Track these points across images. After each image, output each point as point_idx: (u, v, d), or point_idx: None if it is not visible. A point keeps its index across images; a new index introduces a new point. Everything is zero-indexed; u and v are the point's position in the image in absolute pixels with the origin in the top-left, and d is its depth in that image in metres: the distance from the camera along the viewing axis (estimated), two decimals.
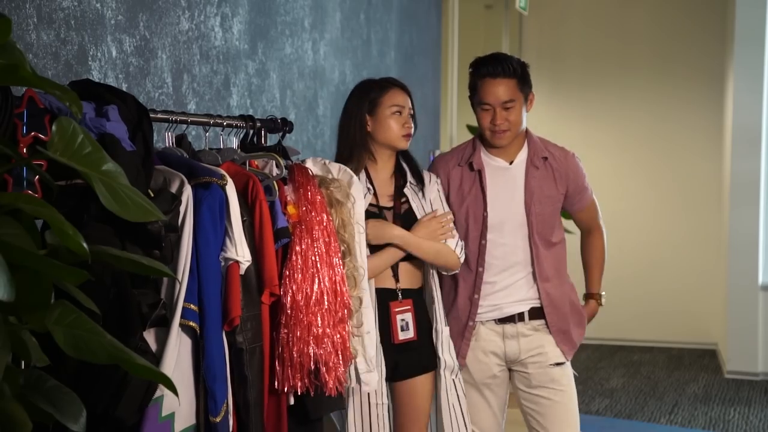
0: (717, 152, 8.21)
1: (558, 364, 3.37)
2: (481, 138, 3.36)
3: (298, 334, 2.50)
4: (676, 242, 8.43)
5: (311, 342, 2.51)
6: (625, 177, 8.44)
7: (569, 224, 3.73)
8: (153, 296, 2.19)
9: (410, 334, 3.13)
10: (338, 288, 2.59)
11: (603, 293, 3.63)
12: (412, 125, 3.16)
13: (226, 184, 2.34)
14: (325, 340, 2.54)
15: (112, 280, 2.07)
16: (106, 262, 1.78)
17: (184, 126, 2.66)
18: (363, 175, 3.14)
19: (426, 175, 3.26)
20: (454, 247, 3.18)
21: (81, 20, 2.72)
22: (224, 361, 2.31)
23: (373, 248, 3.07)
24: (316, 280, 2.54)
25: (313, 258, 2.55)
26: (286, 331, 2.50)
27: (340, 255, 2.63)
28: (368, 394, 3.04)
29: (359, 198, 2.84)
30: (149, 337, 2.18)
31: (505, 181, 3.35)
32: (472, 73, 3.32)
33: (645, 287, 8.33)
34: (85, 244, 1.58)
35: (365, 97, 3.14)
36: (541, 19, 8.68)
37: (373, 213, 3.12)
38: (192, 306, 2.24)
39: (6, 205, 1.62)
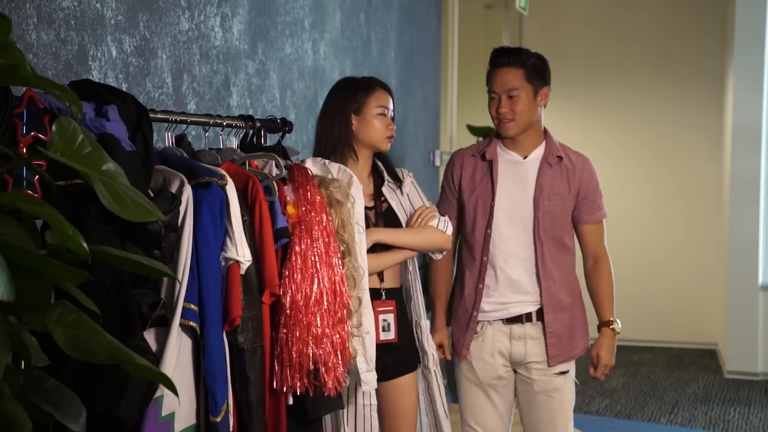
0: (717, 152, 8.21)
1: (562, 373, 3.37)
2: (499, 134, 3.43)
3: (298, 334, 2.49)
4: (676, 242, 8.43)
5: (310, 342, 2.51)
6: (625, 177, 8.44)
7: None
8: (153, 296, 2.18)
9: (391, 335, 3.13)
10: (338, 288, 2.59)
11: (617, 321, 3.45)
12: (394, 127, 3.17)
13: (226, 184, 2.34)
14: (325, 340, 2.53)
15: (112, 280, 2.07)
16: (106, 262, 1.78)
17: (184, 126, 2.66)
18: None
19: (399, 172, 3.27)
20: (436, 225, 3.17)
21: (81, 20, 2.72)
22: (224, 360, 2.31)
23: (380, 248, 3.08)
24: (316, 280, 2.54)
25: (312, 258, 2.55)
26: (285, 331, 2.50)
27: (339, 255, 2.63)
28: (357, 395, 3.06)
29: (359, 198, 2.84)
30: (149, 337, 2.18)
31: (517, 174, 3.39)
32: (488, 63, 3.39)
33: (645, 287, 8.33)
34: (85, 244, 1.58)
35: (351, 97, 3.13)
36: (541, 19, 8.69)
37: None
38: (192, 306, 2.24)
39: (6, 205, 1.61)
